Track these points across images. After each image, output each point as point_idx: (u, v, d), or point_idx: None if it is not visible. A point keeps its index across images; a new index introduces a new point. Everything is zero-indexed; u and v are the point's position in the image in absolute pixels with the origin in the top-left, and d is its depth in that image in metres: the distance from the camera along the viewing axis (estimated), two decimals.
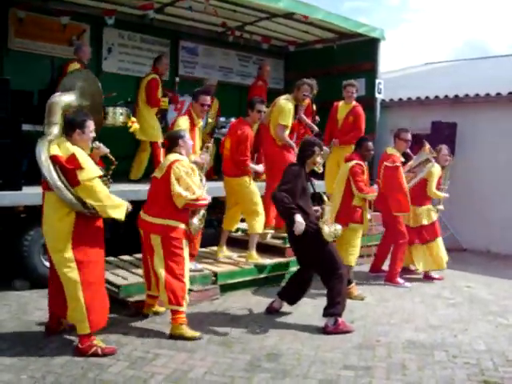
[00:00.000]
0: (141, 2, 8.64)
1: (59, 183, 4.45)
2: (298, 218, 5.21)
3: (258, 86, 9.77)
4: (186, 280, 5.20)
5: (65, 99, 5.07)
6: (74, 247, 4.49)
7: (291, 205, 5.26)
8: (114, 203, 4.60)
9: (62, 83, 5.46)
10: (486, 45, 44.25)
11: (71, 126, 4.63)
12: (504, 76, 11.06)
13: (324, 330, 5.33)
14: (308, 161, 5.64)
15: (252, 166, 6.87)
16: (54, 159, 4.48)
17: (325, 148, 5.75)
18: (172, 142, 5.37)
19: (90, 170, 4.49)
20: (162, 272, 5.08)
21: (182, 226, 5.18)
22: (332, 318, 5.38)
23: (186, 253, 5.21)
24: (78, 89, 5.20)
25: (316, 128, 8.95)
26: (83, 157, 4.52)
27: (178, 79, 9.05)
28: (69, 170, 4.45)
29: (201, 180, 5.70)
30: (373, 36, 10.08)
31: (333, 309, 5.40)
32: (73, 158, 4.46)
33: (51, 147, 4.53)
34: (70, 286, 4.53)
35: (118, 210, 4.61)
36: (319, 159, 5.72)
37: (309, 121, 9.14)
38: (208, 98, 6.49)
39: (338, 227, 5.53)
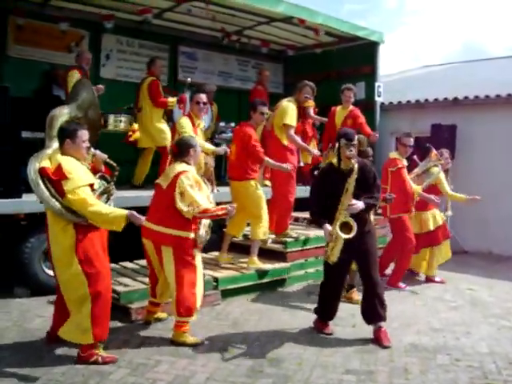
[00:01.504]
0: (139, 8, 8.65)
1: (46, 195, 4.41)
2: (325, 227, 5.10)
3: (258, 90, 9.79)
4: (199, 289, 5.13)
5: (63, 112, 5.06)
6: (81, 259, 4.43)
7: (315, 216, 5.28)
8: (100, 213, 4.40)
9: (70, 94, 5.49)
10: (483, 47, 44.35)
11: (61, 136, 4.59)
12: (503, 78, 11.06)
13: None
14: (341, 155, 5.10)
15: (270, 160, 6.83)
16: (42, 172, 4.46)
17: (360, 136, 5.27)
18: (182, 150, 5.20)
19: (76, 180, 4.39)
20: (173, 284, 5.01)
21: (192, 235, 5.11)
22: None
23: (198, 261, 5.17)
24: (80, 101, 5.21)
25: (325, 119, 8.86)
26: (70, 166, 4.44)
27: (189, 80, 8.91)
28: (55, 181, 4.42)
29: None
30: (372, 39, 10.09)
31: (315, 308, 5.62)
32: (59, 169, 4.41)
33: (43, 161, 4.52)
34: (79, 298, 4.48)
35: (109, 222, 4.45)
36: (348, 152, 5.02)
37: (318, 117, 9.12)
38: (202, 96, 6.55)
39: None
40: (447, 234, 7.82)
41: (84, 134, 4.62)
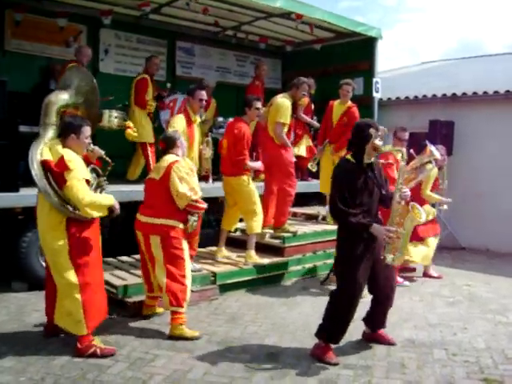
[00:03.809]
0: (137, 2, 8.62)
1: (48, 188, 4.46)
2: (377, 227, 4.52)
3: (255, 86, 9.76)
4: (187, 280, 5.18)
5: (60, 98, 5.04)
6: (71, 250, 4.48)
7: (357, 219, 4.51)
8: (95, 202, 4.50)
9: (61, 81, 5.48)
10: (480, 44, 44.38)
11: (66, 130, 4.63)
12: (500, 74, 11.07)
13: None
14: (366, 147, 4.66)
15: (250, 163, 6.86)
16: (44, 164, 4.49)
17: (382, 127, 5.12)
18: (169, 143, 5.37)
19: (78, 172, 4.45)
20: (162, 273, 5.09)
21: (181, 225, 5.19)
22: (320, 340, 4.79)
23: (186, 253, 5.21)
24: (75, 87, 5.18)
25: (317, 124, 9.00)
26: (71, 158, 4.48)
27: (169, 85, 9.06)
28: (57, 173, 4.45)
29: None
30: (370, 35, 10.07)
31: (318, 330, 4.79)
32: (61, 161, 4.44)
33: (43, 152, 4.53)
34: (68, 289, 4.52)
35: (100, 209, 4.56)
36: (378, 141, 4.68)
37: (308, 118, 9.18)
38: (204, 93, 6.54)
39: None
40: (435, 231, 7.80)
41: (88, 131, 4.69)
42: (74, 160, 4.50)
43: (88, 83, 5.33)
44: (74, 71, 5.72)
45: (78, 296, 4.50)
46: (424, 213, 4.72)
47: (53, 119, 4.87)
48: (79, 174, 4.47)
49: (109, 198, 4.67)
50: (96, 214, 4.54)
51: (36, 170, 4.48)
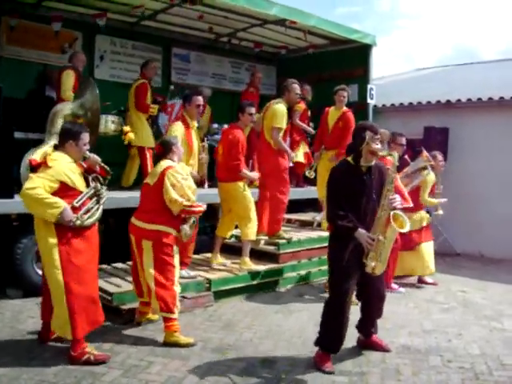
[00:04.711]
0: (132, 7, 8.62)
1: None
2: (361, 233, 4.42)
3: (250, 93, 9.81)
4: (177, 287, 5.19)
5: (66, 108, 5.10)
6: (60, 251, 4.43)
7: (344, 222, 4.45)
8: (37, 199, 4.28)
9: (77, 90, 5.54)
10: (474, 51, 44.55)
11: (65, 136, 4.62)
12: (495, 81, 11.13)
13: None
14: (362, 151, 4.55)
15: (246, 172, 6.85)
16: (30, 163, 4.52)
17: (383, 130, 4.97)
18: (166, 148, 5.38)
19: (52, 170, 4.37)
20: (151, 279, 5.08)
21: (174, 232, 5.19)
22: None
23: (176, 260, 5.22)
24: (81, 100, 5.26)
25: (312, 130, 9.02)
26: (57, 158, 4.46)
27: (172, 87, 9.07)
28: (36, 168, 4.43)
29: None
30: (365, 42, 10.12)
31: (316, 338, 4.76)
32: (45, 158, 4.43)
33: (35, 155, 4.53)
34: (55, 289, 4.49)
35: (37, 209, 4.37)
36: (375, 145, 4.55)
37: (304, 124, 9.22)
38: (200, 98, 6.56)
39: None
40: (428, 237, 7.80)
41: (86, 137, 4.69)
42: (58, 160, 4.46)
43: (93, 99, 5.41)
44: (88, 85, 5.78)
45: (64, 300, 4.44)
46: (408, 221, 4.48)
47: (57, 128, 4.89)
48: (52, 173, 4.37)
49: (55, 207, 4.31)
50: (31, 210, 4.41)
51: (22, 170, 4.49)
